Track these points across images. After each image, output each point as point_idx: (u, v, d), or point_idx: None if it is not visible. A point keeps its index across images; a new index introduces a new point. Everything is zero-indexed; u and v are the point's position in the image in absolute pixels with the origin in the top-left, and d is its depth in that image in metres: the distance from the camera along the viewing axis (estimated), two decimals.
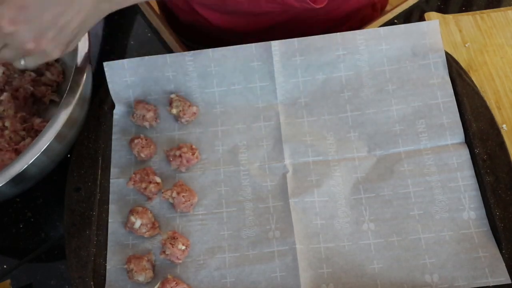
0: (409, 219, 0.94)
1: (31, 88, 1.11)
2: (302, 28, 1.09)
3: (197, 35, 1.30)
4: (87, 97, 1.02)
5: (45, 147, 0.90)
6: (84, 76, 0.97)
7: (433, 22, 1.03)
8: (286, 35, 1.06)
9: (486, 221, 0.92)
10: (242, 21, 1.23)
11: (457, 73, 1.02)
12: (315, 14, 1.19)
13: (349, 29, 1.06)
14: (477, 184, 0.95)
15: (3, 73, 1.13)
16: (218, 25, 1.24)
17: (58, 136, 0.92)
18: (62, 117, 0.93)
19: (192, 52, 1.04)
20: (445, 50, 1.03)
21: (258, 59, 1.04)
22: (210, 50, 1.04)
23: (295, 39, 1.03)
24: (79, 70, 0.96)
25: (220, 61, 1.04)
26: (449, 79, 1.02)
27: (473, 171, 0.96)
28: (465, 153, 0.97)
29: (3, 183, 0.89)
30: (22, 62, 0.86)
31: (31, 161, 0.90)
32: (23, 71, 1.15)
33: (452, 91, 1.01)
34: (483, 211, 0.93)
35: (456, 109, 1.00)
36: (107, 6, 0.85)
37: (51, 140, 0.91)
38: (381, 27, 1.04)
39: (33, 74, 1.12)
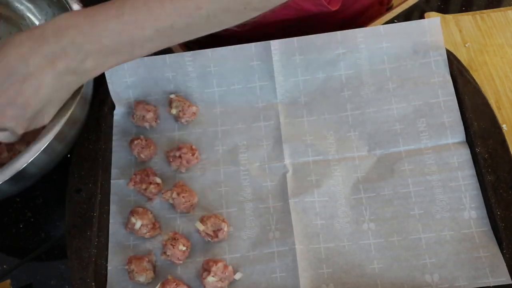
0: (410, 219, 0.93)
1: None
2: (310, 31, 1.08)
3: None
4: (88, 97, 1.02)
5: (45, 146, 0.90)
6: None
7: (434, 19, 1.03)
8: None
9: (487, 220, 0.92)
10: (251, 27, 1.23)
11: (458, 71, 1.02)
12: (325, 17, 1.19)
13: (358, 27, 1.06)
14: (478, 184, 0.94)
15: None
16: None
17: (58, 136, 0.91)
18: (63, 116, 0.93)
19: (191, 52, 1.04)
20: (446, 48, 1.03)
21: (258, 58, 1.03)
22: (209, 50, 1.04)
23: (295, 38, 1.03)
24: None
25: (219, 61, 1.04)
26: (450, 77, 1.01)
27: (474, 170, 0.95)
28: (466, 152, 0.97)
29: (3, 181, 0.89)
30: None
31: (30, 160, 0.89)
32: None
33: (453, 89, 1.01)
34: (484, 210, 0.93)
35: (457, 107, 1.00)
36: (73, 78, 0.83)
37: (51, 139, 0.91)
38: (382, 25, 1.04)
39: None
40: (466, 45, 1.15)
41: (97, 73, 0.84)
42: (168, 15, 0.79)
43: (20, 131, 0.85)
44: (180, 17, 0.80)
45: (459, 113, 0.99)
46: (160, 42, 0.84)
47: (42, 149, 0.90)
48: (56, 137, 0.91)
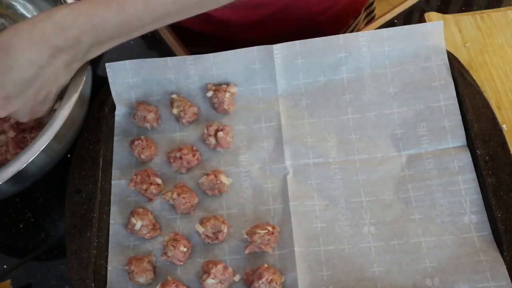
0: (410, 223, 0.93)
1: None
2: (295, 14, 1.09)
3: (196, 37, 1.30)
4: (87, 97, 1.02)
5: (44, 146, 0.90)
6: (84, 76, 0.96)
7: (437, 23, 1.02)
8: (279, 26, 1.07)
9: (487, 225, 0.92)
10: (237, 14, 1.23)
11: (459, 73, 1.01)
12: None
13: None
14: (478, 188, 0.94)
15: None
16: (218, 17, 1.24)
17: (57, 136, 0.92)
18: (61, 116, 0.93)
19: (193, 56, 1.04)
20: (447, 50, 1.03)
21: (260, 62, 1.03)
22: (211, 54, 1.03)
23: (297, 41, 1.03)
24: (79, 70, 0.96)
25: (221, 65, 1.04)
26: (452, 81, 1.01)
27: (475, 174, 0.95)
28: (466, 156, 0.97)
29: (3, 182, 0.89)
30: None
31: (30, 160, 0.90)
32: None
33: (454, 94, 1.00)
34: (485, 214, 0.92)
35: (458, 112, 0.99)
36: (78, 64, 0.92)
37: (50, 139, 0.91)
38: (385, 29, 1.03)
39: None
40: (466, 45, 1.14)
41: (97, 54, 0.92)
42: (165, 4, 0.88)
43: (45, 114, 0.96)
44: (175, 5, 0.88)
45: (460, 117, 0.99)
46: (155, 26, 0.92)
47: (41, 149, 0.90)
48: (55, 137, 0.91)
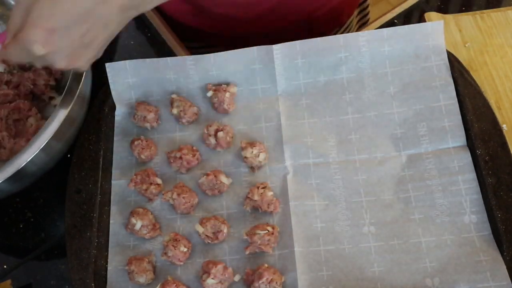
0: (410, 223, 0.93)
1: (31, 86, 1.11)
2: (292, 11, 1.09)
3: (191, 32, 1.31)
4: (86, 96, 1.02)
5: (43, 144, 0.90)
6: (83, 75, 0.97)
7: (438, 23, 1.02)
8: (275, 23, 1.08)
9: (487, 225, 0.92)
10: (235, 10, 1.24)
11: (459, 73, 1.01)
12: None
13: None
14: (478, 188, 0.94)
15: (4, 69, 1.14)
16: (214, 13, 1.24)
17: (57, 135, 0.92)
18: (61, 116, 0.93)
19: (193, 56, 1.04)
20: (447, 50, 1.03)
21: (260, 62, 1.03)
22: (211, 55, 1.03)
23: (297, 41, 1.02)
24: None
25: (221, 65, 1.04)
26: (452, 81, 1.01)
27: (475, 174, 0.95)
28: (466, 156, 0.96)
29: (3, 180, 0.89)
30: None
31: (30, 158, 0.90)
32: (23, 69, 1.15)
33: (454, 93, 1.00)
34: (485, 214, 0.92)
35: (458, 111, 0.99)
36: (133, 12, 0.84)
37: (49, 137, 0.91)
38: (385, 28, 1.03)
39: (32, 75, 1.12)
40: (466, 45, 1.14)
41: (152, 6, 0.88)
42: None
43: (86, 68, 0.90)
44: None
45: (460, 117, 0.99)
46: None
47: (41, 147, 0.90)
48: (55, 136, 0.92)
